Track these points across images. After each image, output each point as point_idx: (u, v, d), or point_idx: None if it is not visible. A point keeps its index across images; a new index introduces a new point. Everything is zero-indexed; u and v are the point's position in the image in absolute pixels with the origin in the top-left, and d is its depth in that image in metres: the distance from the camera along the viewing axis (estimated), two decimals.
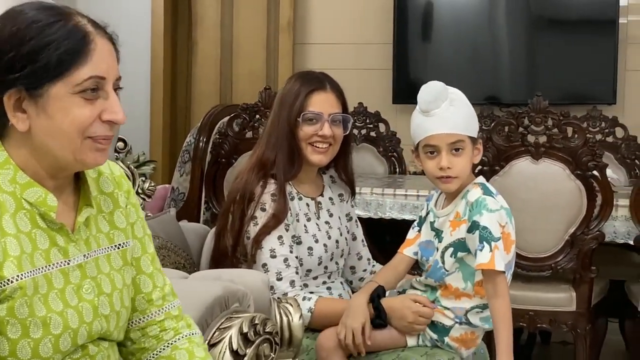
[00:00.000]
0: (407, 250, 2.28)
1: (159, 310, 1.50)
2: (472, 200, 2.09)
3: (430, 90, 2.10)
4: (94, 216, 1.41)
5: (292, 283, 2.24)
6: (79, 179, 1.40)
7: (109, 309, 1.37)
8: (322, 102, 2.32)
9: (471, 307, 2.14)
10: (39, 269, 1.28)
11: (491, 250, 2.02)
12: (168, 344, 1.49)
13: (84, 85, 1.27)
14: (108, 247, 1.41)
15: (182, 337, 1.51)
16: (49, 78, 1.26)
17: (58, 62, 1.26)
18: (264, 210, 2.27)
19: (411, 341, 2.18)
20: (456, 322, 2.16)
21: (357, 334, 2.12)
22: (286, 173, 2.30)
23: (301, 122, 2.30)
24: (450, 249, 2.13)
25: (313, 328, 2.22)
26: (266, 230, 2.25)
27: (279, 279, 2.22)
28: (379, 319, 2.16)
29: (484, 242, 2.03)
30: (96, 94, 1.29)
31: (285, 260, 2.25)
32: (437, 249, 2.17)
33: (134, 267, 1.48)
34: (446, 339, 2.17)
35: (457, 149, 2.10)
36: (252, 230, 2.27)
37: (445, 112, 2.08)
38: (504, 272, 2.03)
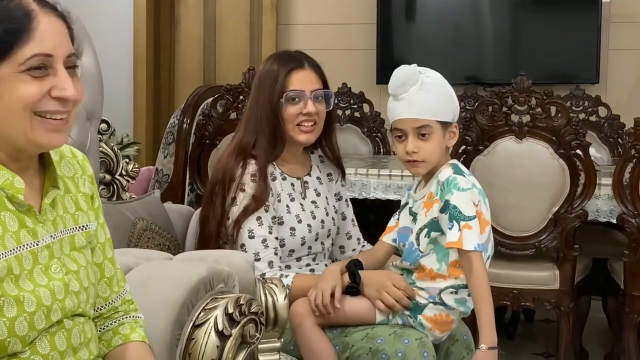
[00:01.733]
0: (387, 237, 2.30)
1: (117, 297, 1.55)
2: (443, 179, 2.10)
3: (399, 75, 2.11)
4: (61, 197, 1.42)
5: (270, 264, 2.24)
6: (43, 162, 1.40)
7: (78, 285, 1.38)
8: (302, 80, 2.31)
9: (445, 287, 2.14)
10: (11, 250, 1.28)
11: (460, 230, 2.03)
12: (115, 320, 1.54)
13: (29, 63, 1.27)
14: (73, 228, 1.43)
15: (130, 316, 1.56)
16: None
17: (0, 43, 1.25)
18: (243, 191, 2.26)
19: (380, 317, 2.17)
20: (430, 302, 2.16)
21: (325, 295, 2.12)
22: (268, 154, 2.30)
23: (284, 102, 2.28)
24: (425, 230, 2.14)
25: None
26: (246, 211, 2.25)
27: (257, 260, 2.22)
28: (354, 282, 2.17)
29: (453, 221, 2.04)
30: (45, 72, 1.28)
31: (264, 241, 2.25)
32: (413, 231, 2.18)
33: (100, 253, 1.51)
34: (419, 317, 2.16)
35: (423, 134, 2.11)
36: (233, 211, 2.27)
37: (413, 96, 2.09)
38: (477, 251, 2.03)
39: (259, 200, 2.25)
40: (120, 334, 1.51)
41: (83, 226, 1.45)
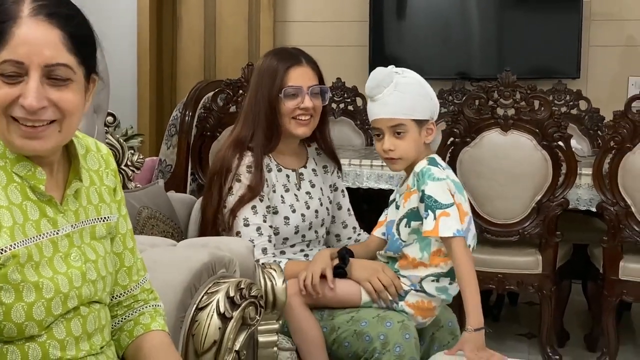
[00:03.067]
0: (377, 232, 2.31)
1: (136, 285, 1.53)
2: (418, 170, 2.12)
3: (374, 77, 2.13)
4: (86, 188, 1.41)
5: (264, 250, 2.24)
6: (70, 155, 1.40)
7: (95, 274, 1.38)
8: (300, 76, 2.30)
9: (425, 275, 2.15)
10: (31, 238, 1.28)
11: (435, 218, 2.04)
12: (136, 310, 1.53)
13: (1, 68, 1.23)
14: (95, 219, 1.42)
15: (150, 306, 1.55)
16: None
17: None
18: (239, 181, 2.26)
19: (365, 297, 2.17)
20: (412, 289, 2.17)
21: (315, 276, 2.14)
22: (264, 146, 2.30)
23: (283, 97, 2.28)
24: (404, 220, 2.15)
25: None
26: (242, 201, 2.25)
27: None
28: (343, 262, 2.17)
29: (429, 211, 2.05)
30: (19, 79, 1.25)
31: (258, 229, 2.25)
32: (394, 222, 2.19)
33: (121, 243, 1.50)
34: (401, 303, 2.17)
35: (398, 132, 2.12)
36: (229, 200, 2.27)
37: (387, 97, 2.10)
38: (457, 237, 2.03)
39: (253, 190, 2.25)
40: (141, 323, 1.51)
41: (104, 217, 1.44)
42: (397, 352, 2.05)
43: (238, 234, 2.24)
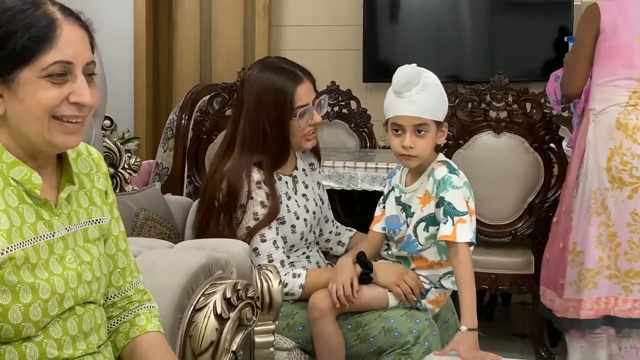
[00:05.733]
0: (377, 227, 2.32)
1: (130, 286, 1.54)
2: (439, 178, 2.13)
3: (405, 74, 2.11)
4: (75, 192, 1.42)
5: (282, 263, 2.23)
6: (61, 159, 1.41)
7: (90, 275, 1.39)
8: (306, 94, 2.27)
9: (443, 273, 2.21)
10: (28, 241, 1.29)
11: (453, 224, 2.07)
12: (131, 312, 1.53)
13: (50, 69, 1.26)
14: (87, 222, 1.43)
15: (144, 307, 1.55)
16: (17, 64, 1.25)
17: (23, 49, 1.25)
18: (252, 198, 2.22)
19: (393, 301, 2.21)
20: (432, 287, 2.23)
21: (346, 286, 2.14)
22: (274, 164, 2.28)
23: (298, 119, 2.24)
24: (422, 224, 2.17)
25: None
26: (261, 223, 2.22)
27: (270, 261, 2.22)
28: (367, 269, 2.19)
29: (448, 216, 2.08)
30: (64, 78, 1.28)
31: (274, 242, 2.24)
32: (407, 224, 2.21)
33: (113, 245, 1.51)
34: (423, 302, 2.22)
35: (420, 131, 2.13)
36: (245, 219, 2.23)
37: (415, 95, 2.10)
38: (467, 242, 2.07)
39: (269, 208, 2.23)
40: (137, 325, 1.51)
41: (96, 220, 1.45)
42: (426, 345, 2.12)
43: (255, 250, 2.22)
